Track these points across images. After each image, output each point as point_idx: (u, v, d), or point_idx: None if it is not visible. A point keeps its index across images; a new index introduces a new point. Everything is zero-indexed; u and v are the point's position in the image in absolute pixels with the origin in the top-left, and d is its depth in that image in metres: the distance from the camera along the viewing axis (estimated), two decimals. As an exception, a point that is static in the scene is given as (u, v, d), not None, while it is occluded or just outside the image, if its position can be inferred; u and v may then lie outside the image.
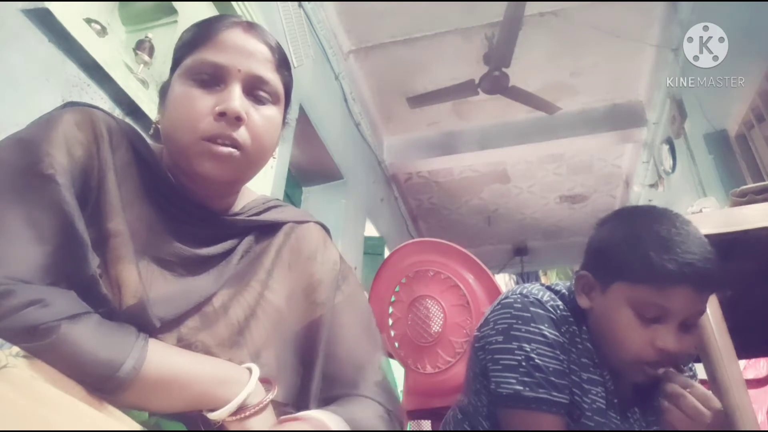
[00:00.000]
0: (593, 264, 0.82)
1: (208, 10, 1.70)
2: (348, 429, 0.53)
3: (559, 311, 0.82)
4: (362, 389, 0.61)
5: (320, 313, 0.64)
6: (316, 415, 0.53)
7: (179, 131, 0.58)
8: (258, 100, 0.61)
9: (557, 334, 0.79)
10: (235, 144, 0.57)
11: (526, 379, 0.76)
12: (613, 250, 0.78)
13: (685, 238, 0.73)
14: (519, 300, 0.82)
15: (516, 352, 0.78)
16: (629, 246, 0.75)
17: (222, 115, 0.57)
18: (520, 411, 0.77)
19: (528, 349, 0.77)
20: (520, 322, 0.80)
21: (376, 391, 0.62)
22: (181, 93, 0.59)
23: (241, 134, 0.58)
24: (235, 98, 0.57)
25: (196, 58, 0.59)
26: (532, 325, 0.79)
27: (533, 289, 0.84)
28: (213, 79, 0.59)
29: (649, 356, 0.73)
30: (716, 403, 0.71)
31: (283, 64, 0.64)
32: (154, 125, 0.64)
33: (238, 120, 0.57)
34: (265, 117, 0.61)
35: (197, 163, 0.57)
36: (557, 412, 0.76)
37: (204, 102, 0.58)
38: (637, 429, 0.83)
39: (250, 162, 0.60)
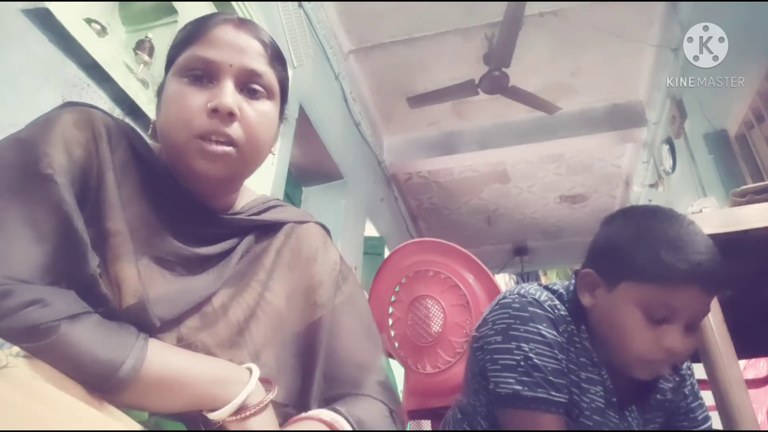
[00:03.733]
0: (599, 262, 0.81)
1: (208, 10, 1.69)
2: (355, 429, 0.53)
3: (557, 311, 0.81)
4: (365, 388, 0.61)
5: (320, 314, 0.64)
6: (325, 415, 0.53)
7: (173, 129, 0.58)
8: (252, 95, 0.60)
9: (555, 333, 0.79)
10: (229, 140, 0.57)
11: (524, 378, 0.76)
12: (622, 250, 0.77)
13: (693, 238, 0.73)
14: (517, 300, 0.82)
15: (514, 351, 0.78)
16: (638, 246, 0.75)
17: (215, 111, 0.56)
18: (519, 411, 0.77)
19: (526, 349, 0.77)
20: (518, 321, 0.80)
21: (379, 390, 0.62)
22: (174, 91, 0.59)
23: (235, 130, 0.58)
24: (227, 94, 0.57)
25: (188, 55, 0.59)
26: (531, 324, 0.79)
27: (531, 288, 0.84)
28: (205, 75, 0.59)
29: (655, 356, 0.73)
30: None
31: (276, 59, 0.64)
32: (152, 125, 0.65)
33: (230, 116, 0.57)
34: (259, 112, 0.60)
35: (192, 162, 0.57)
36: (556, 411, 0.76)
37: (197, 99, 0.57)
38: (635, 427, 0.83)
39: (245, 158, 0.60)
